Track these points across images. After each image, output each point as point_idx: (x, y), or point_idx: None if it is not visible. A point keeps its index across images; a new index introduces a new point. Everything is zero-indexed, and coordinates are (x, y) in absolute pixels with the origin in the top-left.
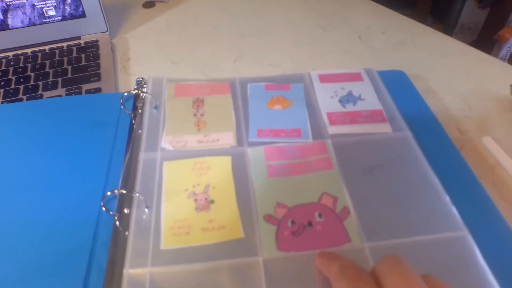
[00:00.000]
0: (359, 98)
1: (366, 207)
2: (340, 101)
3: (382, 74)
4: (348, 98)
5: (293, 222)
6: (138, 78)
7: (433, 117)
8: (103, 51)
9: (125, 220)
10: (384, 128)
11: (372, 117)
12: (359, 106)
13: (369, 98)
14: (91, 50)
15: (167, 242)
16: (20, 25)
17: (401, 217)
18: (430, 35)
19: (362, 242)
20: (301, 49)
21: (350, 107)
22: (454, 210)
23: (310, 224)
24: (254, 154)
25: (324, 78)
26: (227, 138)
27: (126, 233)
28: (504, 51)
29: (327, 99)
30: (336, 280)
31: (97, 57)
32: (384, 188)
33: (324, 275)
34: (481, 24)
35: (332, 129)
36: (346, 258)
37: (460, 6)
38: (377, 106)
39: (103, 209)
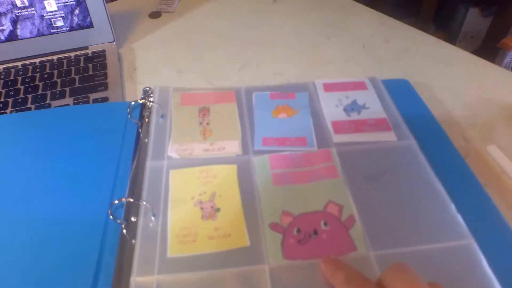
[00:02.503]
0: (364, 106)
1: (372, 216)
2: (345, 109)
3: (386, 82)
4: (352, 107)
5: (298, 231)
6: (145, 88)
7: (437, 125)
8: (110, 60)
9: (132, 228)
10: (389, 136)
11: (376, 125)
12: (364, 115)
13: (374, 107)
14: (98, 59)
15: (173, 250)
16: (29, 35)
17: (407, 226)
18: (433, 43)
19: (368, 250)
20: (305, 58)
21: (354, 116)
22: (459, 218)
23: (315, 232)
24: (259, 163)
25: (328, 87)
26: (233, 147)
27: (133, 241)
28: (507, 59)
29: (332, 108)
30: None
31: (104, 66)
32: (390, 197)
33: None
34: (484, 32)
35: (337, 138)
36: (351, 267)
37: (463, 15)
38: (382, 114)
39: (111, 217)
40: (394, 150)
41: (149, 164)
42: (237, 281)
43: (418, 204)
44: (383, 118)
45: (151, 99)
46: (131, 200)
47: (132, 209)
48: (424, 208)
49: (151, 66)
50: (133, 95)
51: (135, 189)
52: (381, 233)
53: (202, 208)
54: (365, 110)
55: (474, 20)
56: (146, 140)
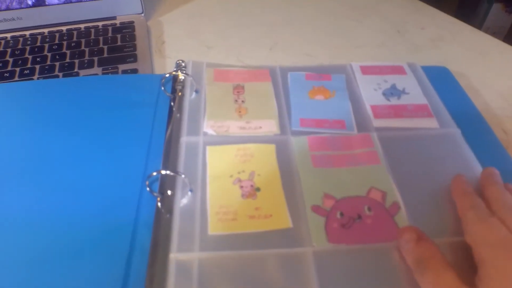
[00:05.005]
0: (403, 91)
1: (417, 203)
2: (384, 93)
3: (425, 69)
4: (392, 91)
5: (342, 214)
6: (178, 61)
7: (479, 116)
8: (139, 32)
9: (167, 202)
10: (431, 123)
11: (417, 111)
12: (404, 100)
13: (414, 92)
14: (126, 30)
15: (214, 228)
16: (56, 1)
17: (455, 215)
18: (469, 32)
19: None
20: (335, 40)
21: (394, 101)
22: None
23: (359, 217)
24: (298, 143)
25: (366, 70)
26: (270, 126)
27: (168, 215)
28: None
29: (370, 91)
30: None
31: (133, 38)
32: (434, 185)
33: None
34: (507, 28)
35: (377, 122)
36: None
37: (486, 10)
38: (422, 100)
39: (148, 189)
40: (437, 137)
41: (185, 139)
42: (280, 263)
43: None
44: (424, 104)
45: (185, 72)
46: (171, 172)
47: (167, 183)
48: None
49: (180, 41)
50: (162, 68)
51: (169, 164)
52: (427, 221)
53: (241, 187)
54: (405, 95)
55: (497, 15)
56: (179, 114)
